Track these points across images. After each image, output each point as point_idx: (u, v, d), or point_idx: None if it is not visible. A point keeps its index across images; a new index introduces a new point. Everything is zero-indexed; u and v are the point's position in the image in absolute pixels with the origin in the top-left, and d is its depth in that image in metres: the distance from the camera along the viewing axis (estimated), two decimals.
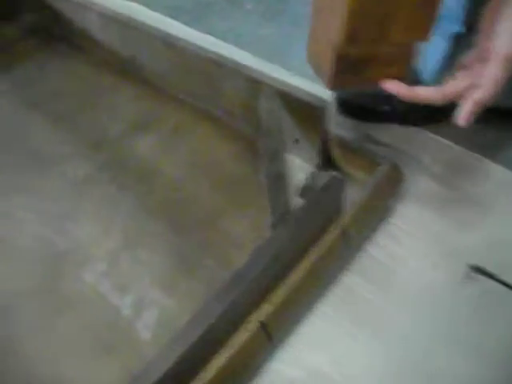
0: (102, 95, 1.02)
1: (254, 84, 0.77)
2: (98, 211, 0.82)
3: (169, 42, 0.89)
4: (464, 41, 0.81)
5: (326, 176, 0.64)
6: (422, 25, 0.65)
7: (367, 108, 0.92)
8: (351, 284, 0.73)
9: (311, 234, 0.65)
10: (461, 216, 0.79)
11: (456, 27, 0.80)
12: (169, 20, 1.10)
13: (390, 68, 0.68)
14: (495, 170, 0.85)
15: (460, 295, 0.72)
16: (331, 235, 0.67)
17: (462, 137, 0.88)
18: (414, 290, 0.72)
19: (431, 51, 0.85)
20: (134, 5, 1.16)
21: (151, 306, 0.70)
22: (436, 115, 0.90)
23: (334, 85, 0.66)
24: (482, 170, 0.85)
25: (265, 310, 0.61)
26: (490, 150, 0.87)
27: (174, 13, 1.17)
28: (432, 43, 0.85)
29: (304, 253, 0.65)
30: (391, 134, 0.91)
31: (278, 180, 0.67)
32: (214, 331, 0.56)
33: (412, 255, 0.75)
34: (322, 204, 0.63)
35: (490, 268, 0.73)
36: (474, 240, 0.77)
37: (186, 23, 1.10)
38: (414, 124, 0.91)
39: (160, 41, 0.91)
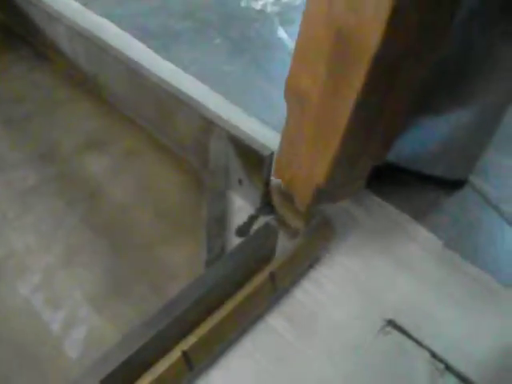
0: (59, 107, 1.03)
1: (207, 123, 0.81)
2: (40, 224, 0.83)
3: (131, 67, 0.92)
4: None
5: (261, 221, 0.69)
6: (385, 153, 0.74)
7: None
8: (274, 324, 0.77)
9: (242, 274, 0.69)
10: (384, 272, 0.86)
11: None
12: (136, 43, 1.13)
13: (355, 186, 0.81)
14: (422, 233, 0.92)
15: (374, 346, 0.77)
16: (260, 277, 0.71)
17: (398, 199, 0.95)
18: (332, 337, 0.77)
19: None
20: (105, 22, 1.18)
21: (81, 323, 0.72)
22: (380, 176, 0.97)
23: (309, 209, 0.75)
24: (409, 232, 0.92)
25: (189, 341, 0.64)
26: (420, 214, 0.94)
27: (144, 36, 1.20)
28: None
29: (234, 292, 0.69)
30: None
31: (218, 219, 0.71)
32: (137, 358, 0.59)
33: (334, 303, 0.81)
34: (254, 248, 0.67)
35: (404, 324, 0.79)
36: (394, 296, 0.83)
37: (154, 48, 1.13)
38: None
39: (123, 64, 0.94)
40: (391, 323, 0.80)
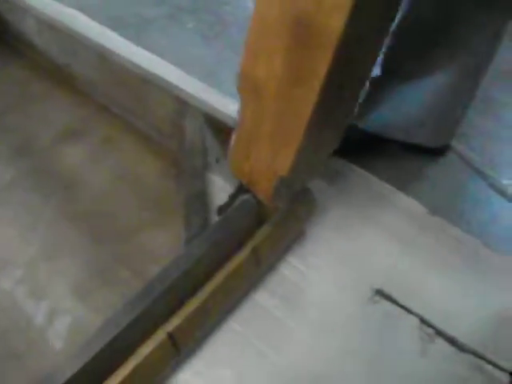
0: (33, 100, 1.01)
1: (181, 104, 0.80)
2: (18, 218, 0.82)
3: (103, 54, 0.91)
4: (380, 82, 0.87)
5: (240, 198, 0.68)
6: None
7: None
8: (261, 301, 0.77)
9: (223, 252, 0.68)
10: (369, 243, 0.85)
11: (376, 71, 0.86)
12: (107, 31, 1.11)
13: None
14: (405, 201, 0.91)
15: (363, 316, 0.77)
16: (242, 254, 0.70)
17: (382, 169, 0.95)
18: (320, 309, 0.77)
19: None
20: (75, 13, 1.16)
21: (64, 314, 0.71)
22: (362, 147, 0.96)
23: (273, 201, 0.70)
24: (393, 201, 0.91)
25: (173, 322, 0.64)
26: (404, 183, 0.94)
27: (116, 25, 1.18)
28: None
29: (216, 270, 0.68)
30: None
31: (197, 198, 0.70)
32: (121, 340, 0.58)
33: (321, 277, 0.80)
34: (234, 224, 0.66)
35: (392, 293, 0.79)
36: (381, 266, 0.82)
37: (127, 36, 1.11)
38: (341, 155, 0.97)
39: (94, 52, 0.92)
40: (379, 292, 0.79)
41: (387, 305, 0.78)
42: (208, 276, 0.68)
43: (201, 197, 0.70)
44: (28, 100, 1.02)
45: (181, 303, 0.65)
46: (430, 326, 0.76)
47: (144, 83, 0.88)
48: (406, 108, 0.90)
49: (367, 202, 0.91)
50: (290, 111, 0.61)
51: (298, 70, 0.57)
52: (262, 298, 0.77)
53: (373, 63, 0.62)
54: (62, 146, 0.93)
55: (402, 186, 0.93)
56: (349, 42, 0.53)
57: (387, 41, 0.85)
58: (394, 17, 0.58)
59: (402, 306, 0.78)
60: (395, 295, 0.79)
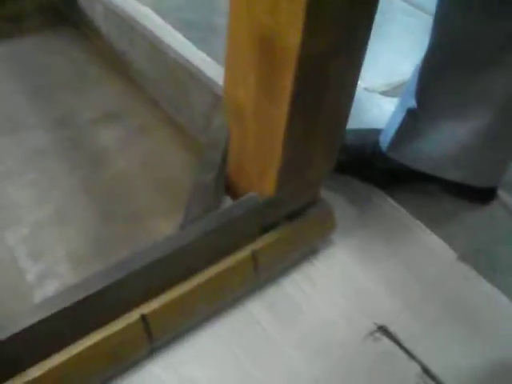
0: (86, 81, 1.05)
1: (216, 99, 0.79)
2: (39, 181, 0.83)
3: (156, 46, 0.93)
4: (415, 114, 0.82)
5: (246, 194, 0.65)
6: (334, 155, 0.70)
7: None
8: (254, 312, 0.73)
9: (218, 245, 0.65)
10: (384, 276, 0.79)
11: (412, 102, 0.82)
12: (166, 25, 1.14)
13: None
14: (434, 241, 0.84)
15: (360, 351, 0.70)
16: (239, 255, 0.67)
17: (416, 205, 0.89)
18: (315, 334, 0.71)
19: (391, 123, 0.87)
20: (145, 9, 1.20)
21: (54, 278, 0.71)
22: (397, 179, 0.91)
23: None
24: (420, 238, 0.85)
25: (149, 305, 0.61)
26: (437, 223, 0.87)
27: (184, 27, 1.21)
28: (393, 116, 0.87)
29: (208, 264, 0.65)
30: (346, 182, 0.92)
31: (203, 190, 0.68)
32: (86, 307, 0.56)
33: (323, 300, 0.75)
34: (234, 218, 0.63)
35: (397, 333, 0.72)
36: (391, 303, 0.76)
37: (192, 39, 1.13)
38: (374, 184, 0.92)
39: (149, 42, 0.94)
40: (382, 329, 0.73)
41: (388, 344, 0.71)
42: (197, 269, 0.65)
43: (207, 189, 0.68)
44: (82, 80, 1.06)
45: (163, 289, 0.63)
46: (432, 377, 0.69)
47: (189, 78, 0.89)
48: (441, 143, 0.84)
49: (392, 233, 0.85)
50: (267, 131, 0.61)
51: (270, 88, 0.57)
52: (257, 310, 0.73)
53: (353, 79, 0.61)
54: (100, 126, 0.95)
55: (434, 226, 0.86)
56: (312, 57, 0.53)
57: (418, 72, 0.80)
58: (365, 31, 0.56)
59: (405, 349, 0.71)
60: (399, 336, 0.72)
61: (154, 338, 0.63)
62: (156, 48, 0.94)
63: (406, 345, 0.71)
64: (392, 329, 0.73)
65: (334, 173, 0.93)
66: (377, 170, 0.90)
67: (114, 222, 0.79)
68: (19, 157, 0.87)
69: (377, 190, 0.91)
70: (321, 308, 0.74)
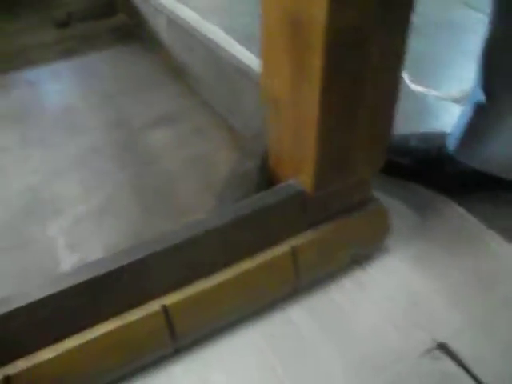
0: (146, 88, 1.07)
1: None
2: (88, 178, 0.83)
3: (213, 50, 0.92)
4: (484, 110, 0.73)
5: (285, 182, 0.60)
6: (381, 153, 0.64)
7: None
8: (294, 317, 0.66)
9: (251, 235, 0.60)
10: (448, 287, 0.69)
11: (479, 95, 0.73)
12: (221, 33, 1.13)
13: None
14: (506, 250, 0.73)
15: (415, 370, 0.61)
16: (277, 250, 0.61)
17: (489, 215, 0.78)
18: (362, 346, 0.63)
19: (459, 123, 0.78)
20: (199, 18, 1.20)
21: None
22: (466, 184, 0.81)
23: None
24: (493, 250, 0.74)
25: (172, 296, 0.57)
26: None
27: (247, 40, 1.20)
28: (461, 115, 0.78)
29: (240, 257, 0.60)
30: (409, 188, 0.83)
31: (244, 178, 0.64)
32: (106, 284, 0.52)
33: (376, 311, 0.66)
34: (269, 205, 0.58)
35: (459, 352, 0.62)
36: (453, 317, 0.66)
37: (256, 53, 1.12)
38: (440, 190, 0.83)
39: (205, 48, 0.94)
40: (443, 347, 0.62)
41: (449, 365, 0.61)
42: (228, 261, 0.60)
43: (246, 178, 0.64)
44: (142, 88, 1.07)
45: (187, 280, 0.58)
46: None
47: (243, 81, 0.86)
48: None
49: (460, 244, 0.74)
50: (302, 120, 0.56)
51: (303, 72, 0.53)
52: (296, 315, 0.66)
53: (396, 63, 0.55)
54: (155, 128, 0.95)
55: (508, 235, 0.75)
56: (342, 32, 0.48)
57: (481, 58, 0.71)
58: (404, 6, 0.51)
59: (469, 372, 0.60)
60: (463, 357, 0.61)
61: (178, 335, 0.58)
62: (212, 53, 0.93)
63: (472, 367, 0.60)
64: (454, 347, 0.62)
65: (395, 178, 0.87)
66: (443, 174, 0.81)
67: (156, 218, 0.76)
68: (72, 155, 0.88)
69: (443, 197, 0.81)
70: (371, 317, 0.65)
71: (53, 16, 1.31)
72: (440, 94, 1.07)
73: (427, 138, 0.85)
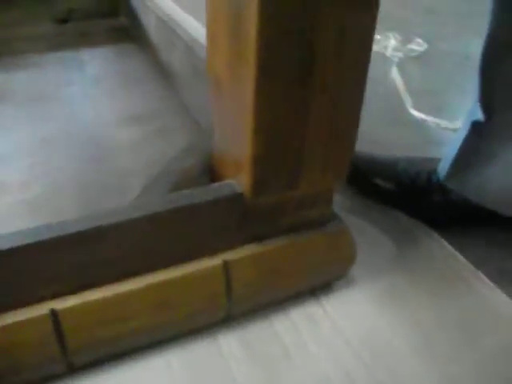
0: (134, 84, 1.01)
1: None
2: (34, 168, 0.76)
3: (192, 46, 0.85)
4: (482, 131, 0.62)
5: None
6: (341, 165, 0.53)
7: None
8: (224, 347, 0.54)
9: (173, 239, 0.49)
10: (417, 334, 0.57)
11: (477, 114, 0.62)
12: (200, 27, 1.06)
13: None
14: (501, 301, 0.61)
15: None
16: (205, 262, 0.51)
17: (479, 254, 0.66)
18: None
19: (453, 145, 0.68)
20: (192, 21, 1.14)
21: None
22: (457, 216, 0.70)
23: None
24: (483, 296, 0.61)
25: (65, 300, 0.46)
26: (505, 275, 0.64)
27: None
28: (456, 137, 0.68)
29: (155, 264, 0.50)
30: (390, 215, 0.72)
31: (179, 175, 0.54)
32: None
33: (326, 356, 0.54)
34: (198, 204, 0.48)
35: None
36: (421, 374, 0.53)
37: None
38: (426, 221, 0.71)
39: (185, 43, 0.87)
40: None
41: None
42: (142, 268, 0.49)
43: (181, 175, 0.54)
44: (123, 86, 1.02)
45: (86, 284, 0.47)
46: None
47: None
48: None
49: (439, 283, 0.62)
50: (240, 105, 0.47)
51: (238, 44, 0.45)
52: (229, 347, 0.54)
53: (361, 44, 0.45)
54: (122, 127, 0.89)
55: (505, 282, 0.62)
56: (274, 21, 0.41)
57: (480, 70, 0.61)
58: None
59: None
60: None
61: (70, 349, 0.47)
62: (191, 49, 0.86)
63: None
64: None
65: (376, 202, 0.76)
66: (431, 203, 0.70)
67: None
68: (24, 143, 0.81)
69: (427, 229, 0.70)
70: (317, 362, 0.54)
71: (53, 11, 1.28)
72: (443, 123, 0.96)
73: (417, 162, 0.75)
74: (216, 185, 0.51)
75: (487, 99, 0.62)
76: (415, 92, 1.04)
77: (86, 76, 1.05)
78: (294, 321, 0.58)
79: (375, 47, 1.25)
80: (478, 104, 0.63)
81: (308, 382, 0.51)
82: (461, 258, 0.66)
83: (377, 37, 1.27)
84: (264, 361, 0.53)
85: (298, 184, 0.50)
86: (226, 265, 0.52)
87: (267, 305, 0.58)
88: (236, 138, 0.49)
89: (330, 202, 0.56)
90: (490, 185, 0.65)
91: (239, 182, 0.50)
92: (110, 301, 0.48)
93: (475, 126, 0.64)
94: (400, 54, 1.22)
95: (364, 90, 0.48)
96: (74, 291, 0.47)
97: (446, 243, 0.68)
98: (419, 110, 0.99)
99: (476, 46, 0.63)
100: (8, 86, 0.99)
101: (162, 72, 1.03)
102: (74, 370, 0.50)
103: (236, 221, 0.51)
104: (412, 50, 1.24)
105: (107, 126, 0.87)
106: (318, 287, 0.60)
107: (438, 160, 0.71)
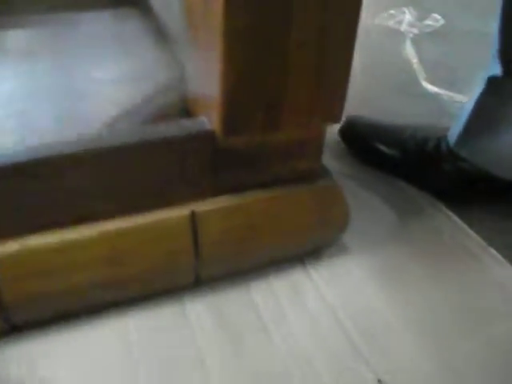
0: (118, 50, 0.94)
1: None
2: None
3: None
4: (499, 85, 0.55)
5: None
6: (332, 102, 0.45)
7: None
8: (191, 315, 0.47)
9: (136, 179, 0.43)
10: (415, 315, 0.49)
11: (494, 68, 0.54)
12: None
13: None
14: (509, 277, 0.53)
15: None
16: (170, 212, 0.44)
17: (489, 227, 0.59)
18: (276, 374, 0.43)
19: (466, 107, 0.60)
20: None
21: None
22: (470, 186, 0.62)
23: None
24: (491, 271, 0.54)
25: (9, 245, 0.40)
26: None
27: None
28: (471, 98, 0.60)
29: (116, 209, 0.43)
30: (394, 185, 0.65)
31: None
32: None
33: (308, 330, 0.47)
34: (164, 140, 0.41)
35: None
36: (416, 359, 0.46)
37: None
38: (434, 190, 0.64)
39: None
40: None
41: None
42: (96, 212, 0.42)
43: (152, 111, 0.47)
44: (114, 47, 0.94)
45: (32, 225, 0.41)
46: None
47: None
48: None
49: (445, 258, 0.55)
50: (211, 33, 0.40)
51: None
52: (196, 313, 0.48)
53: None
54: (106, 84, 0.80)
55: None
56: None
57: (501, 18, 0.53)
58: None
59: None
60: None
61: (7, 304, 0.41)
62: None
63: None
64: None
65: (381, 172, 0.68)
66: (438, 172, 0.62)
67: None
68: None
69: (433, 199, 0.62)
70: (297, 338, 0.46)
71: None
72: (457, 96, 0.88)
73: (425, 128, 0.67)
74: (186, 120, 0.44)
75: (508, 50, 0.54)
76: (429, 66, 0.97)
77: (78, 36, 0.99)
78: (274, 289, 0.51)
79: (389, 22, 1.18)
80: (496, 57, 0.55)
81: (285, 360, 0.44)
82: (470, 231, 0.58)
83: (391, 11, 1.20)
84: (235, 332, 0.46)
85: (278, 124, 0.43)
86: (193, 216, 0.45)
87: (246, 270, 0.51)
88: (208, 71, 0.42)
89: (320, 154, 0.49)
90: (505, 152, 0.57)
91: (210, 118, 0.43)
92: (55, 248, 0.41)
93: (491, 82, 0.56)
94: (415, 30, 1.14)
95: (356, 31, 0.41)
96: (13, 235, 0.41)
97: (454, 216, 0.60)
98: (433, 83, 0.92)
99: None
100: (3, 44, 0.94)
101: (161, 35, 0.97)
102: (15, 329, 0.44)
103: (207, 164, 0.44)
104: (428, 26, 1.16)
105: (100, 84, 0.81)
106: (305, 253, 0.53)
107: (448, 128, 0.63)
